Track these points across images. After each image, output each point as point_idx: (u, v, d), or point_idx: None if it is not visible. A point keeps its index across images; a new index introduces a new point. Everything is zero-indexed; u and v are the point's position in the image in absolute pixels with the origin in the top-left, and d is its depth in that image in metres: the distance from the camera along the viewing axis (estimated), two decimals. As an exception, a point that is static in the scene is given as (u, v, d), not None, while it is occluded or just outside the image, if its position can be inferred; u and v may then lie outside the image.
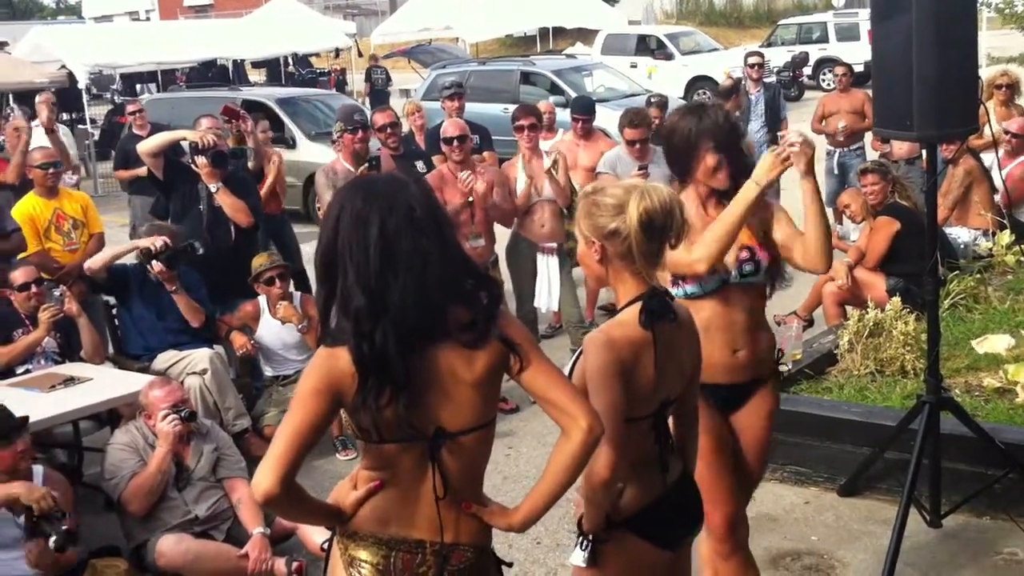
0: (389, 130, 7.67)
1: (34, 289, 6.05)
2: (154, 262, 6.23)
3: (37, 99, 11.28)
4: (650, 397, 2.83)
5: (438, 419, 2.49)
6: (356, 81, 26.67)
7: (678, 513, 2.97)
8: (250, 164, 8.10)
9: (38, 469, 4.72)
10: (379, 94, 23.11)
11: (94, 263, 6.50)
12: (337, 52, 25.94)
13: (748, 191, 3.47)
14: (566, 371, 2.85)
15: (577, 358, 2.87)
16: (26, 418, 4.72)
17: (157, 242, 6.37)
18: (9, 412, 4.61)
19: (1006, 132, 7.28)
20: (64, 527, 4.36)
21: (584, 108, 8.58)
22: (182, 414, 4.95)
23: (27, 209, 7.17)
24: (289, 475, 2.42)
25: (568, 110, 9.18)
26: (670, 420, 2.98)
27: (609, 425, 2.63)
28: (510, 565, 2.77)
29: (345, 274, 2.46)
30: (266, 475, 2.41)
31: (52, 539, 4.32)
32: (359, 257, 2.45)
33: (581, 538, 2.91)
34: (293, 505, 2.55)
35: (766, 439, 3.75)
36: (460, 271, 2.52)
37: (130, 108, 11.26)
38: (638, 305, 2.80)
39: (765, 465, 3.88)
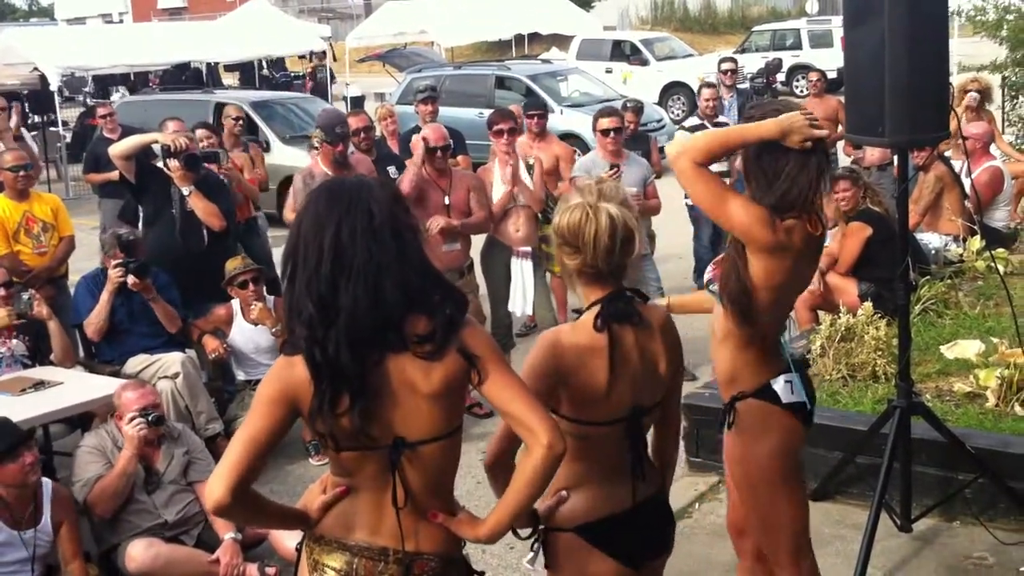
0: (363, 134, 7.70)
1: (2, 292, 5.99)
2: (129, 276, 6.18)
3: None
4: (606, 402, 2.79)
5: (397, 428, 2.48)
6: (333, 85, 26.59)
7: (645, 531, 2.92)
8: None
9: (47, 484, 4.69)
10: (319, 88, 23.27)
11: (117, 148, 6.68)
12: (311, 56, 25.84)
13: (764, 130, 3.22)
14: None
15: None
16: (33, 431, 4.69)
17: (181, 140, 6.50)
18: (12, 425, 4.57)
19: (965, 137, 7.35)
20: None
21: (536, 104, 8.64)
22: (149, 418, 4.92)
23: (-3, 212, 7.10)
24: (241, 484, 2.40)
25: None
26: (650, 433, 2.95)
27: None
28: (482, 574, 2.75)
29: (300, 277, 2.45)
30: (217, 485, 2.40)
31: None
32: (313, 261, 2.44)
33: (534, 538, 2.90)
34: (248, 513, 2.56)
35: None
36: (422, 280, 2.48)
37: (100, 111, 11.19)
38: (596, 308, 2.80)
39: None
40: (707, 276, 3.48)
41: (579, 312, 2.87)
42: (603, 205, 2.77)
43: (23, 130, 10.15)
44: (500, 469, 2.78)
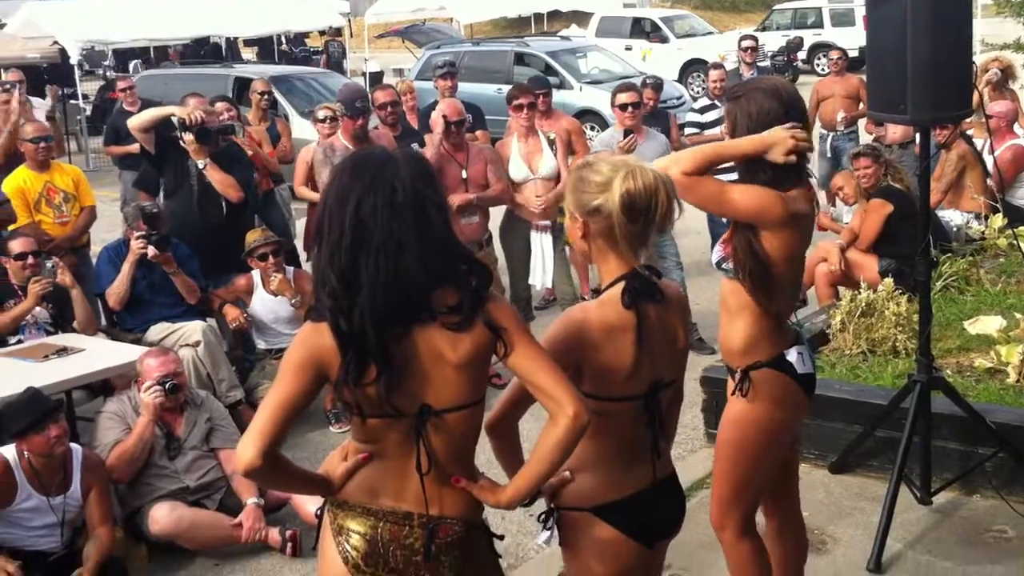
0: (389, 108, 7.67)
1: (30, 260, 6.04)
2: (150, 248, 6.22)
3: (5, 75, 11.26)
4: (631, 378, 2.77)
5: (423, 397, 2.49)
6: (351, 61, 26.58)
7: (658, 510, 2.90)
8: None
9: (77, 450, 4.74)
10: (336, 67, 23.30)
11: (135, 121, 6.73)
12: (337, 31, 25.80)
13: (747, 146, 3.28)
14: None
15: None
16: (61, 401, 4.74)
17: (196, 114, 6.52)
18: (42, 396, 4.62)
19: (988, 116, 7.32)
20: None
21: (541, 83, 8.59)
22: (166, 386, 4.96)
23: (17, 182, 7.16)
24: (271, 447, 2.43)
25: (560, 92, 9.13)
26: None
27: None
28: (501, 538, 2.77)
29: (324, 250, 2.47)
30: (248, 447, 2.42)
31: None
32: (336, 234, 2.45)
33: (547, 516, 2.87)
34: (276, 476, 2.58)
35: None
36: (445, 257, 2.48)
37: (120, 85, 11.22)
38: (621, 285, 2.75)
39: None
40: (717, 255, 3.47)
41: (598, 291, 2.84)
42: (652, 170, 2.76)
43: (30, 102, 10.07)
44: (503, 432, 2.79)
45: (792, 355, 3.43)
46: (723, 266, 3.43)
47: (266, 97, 9.45)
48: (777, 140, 3.22)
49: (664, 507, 2.92)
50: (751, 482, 3.47)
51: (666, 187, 2.72)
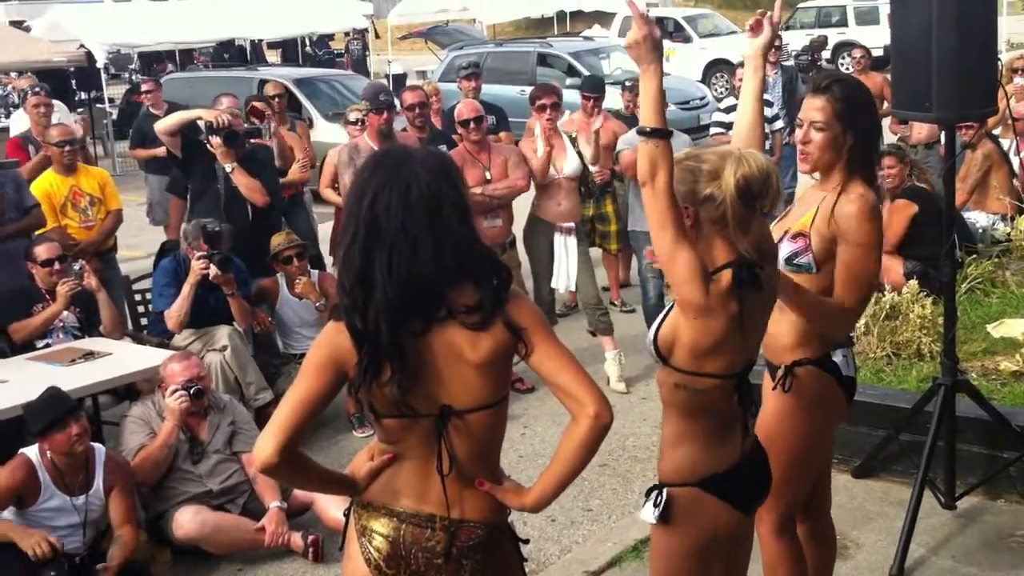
0: (417, 110, 7.66)
1: (57, 266, 6.08)
2: (211, 268, 6.08)
3: (19, 81, 11.36)
4: (730, 359, 2.84)
5: (443, 397, 2.50)
6: (375, 63, 26.66)
7: (756, 476, 3.01)
8: (276, 163, 7.96)
9: (100, 450, 4.79)
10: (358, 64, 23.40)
11: (162, 124, 6.71)
12: (354, 32, 25.90)
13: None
14: (652, 328, 2.89)
15: (667, 312, 2.88)
16: (81, 401, 4.78)
17: (223, 117, 6.48)
18: (62, 395, 4.67)
19: (1013, 119, 7.28)
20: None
21: (594, 87, 8.51)
22: (190, 391, 4.99)
23: (44, 186, 7.22)
24: (289, 444, 2.43)
25: (576, 91, 9.09)
26: None
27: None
28: (527, 542, 2.78)
29: (342, 247, 2.49)
30: (266, 444, 2.44)
31: None
32: (351, 231, 2.47)
33: (655, 493, 2.92)
34: (297, 474, 2.60)
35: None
36: (462, 256, 2.48)
37: (144, 87, 11.27)
38: (728, 272, 2.79)
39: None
40: (787, 250, 3.44)
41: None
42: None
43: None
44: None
45: (838, 356, 3.46)
46: (796, 261, 3.41)
47: (279, 100, 9.37)
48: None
49: (756, 474, 3.02)
50: (790, 478, 3.46)
51: (776, 171, 2.81)
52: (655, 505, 2.91)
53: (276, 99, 9.25)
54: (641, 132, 2.76)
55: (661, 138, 2.73)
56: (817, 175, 3.53)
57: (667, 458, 2.95)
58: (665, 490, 2.91)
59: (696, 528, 2.92)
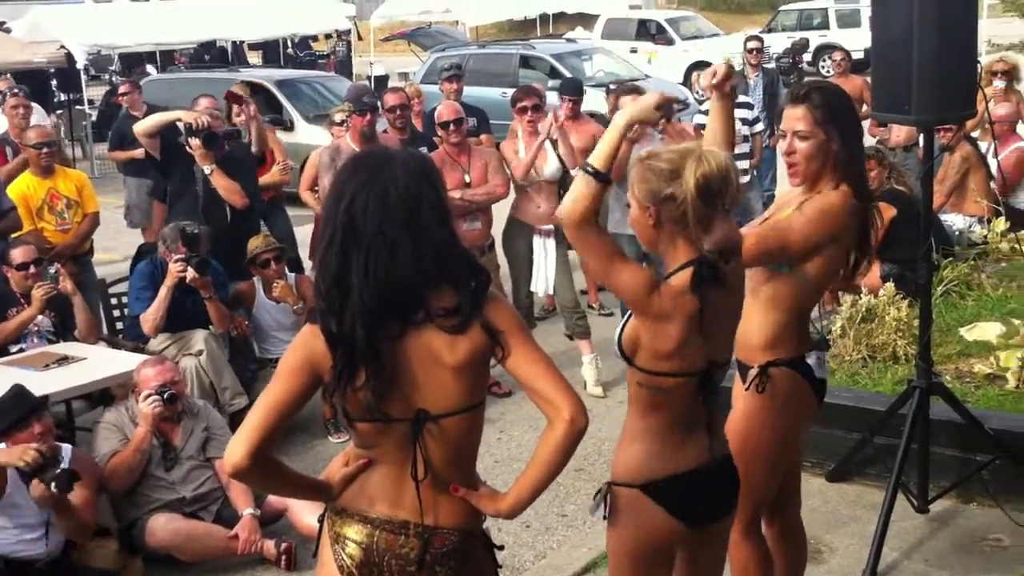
0: (398, 111, 7.62)
1: (32, 269, 6.05)
2: (189, 271, 6.03)
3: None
4: (688, 356, 2.83)
5: (419, 401, 2.49)
6: (356, 64, 26.59)
7: (710, 491, 2.95)
8: (252, 149, 7.95)
9: (66, 448, 4.75)
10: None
11: (141, 126, 6.67)
12: (336, 34, 25.83)
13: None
14: (617, 330, 2.89)
15: (627, 320, 2.88)
16: (46, 398, 4.75)
17: (202, 119, 6.44)
18: (26, 394, 4.64)
19: (991, 122, 7.32)
20: (59, 469, 4.40)
21: (573, 89, 8.52)
22: (163, 396, 4.96)
23: (21, 188, 7.17)
24: (261, 448, 2.42)
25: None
26: None
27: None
28: (501, 548, 2.77)
29: (320, 249, 2.48)
30: (236, 447, 2.42)
31: (52, 484, 4.36)
32: (329, 233, 2.46)
33: (603, 490, 2.93)
34: (268, 478, 2.57)
35: None
36: (440, 258, 2.47)
37: (121, 89, 11.20)
38: (689, 270, 2.80)
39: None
40: None
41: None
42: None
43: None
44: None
45: (812, 359, 3.48)
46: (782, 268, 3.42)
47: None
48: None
49: (717, 488, 2.97)
50: (757, 479, 3.47)
51: (735, 169, 2.81)
52: (601, 503, 2.92)
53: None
54: (585, 168, 2.80)
55: (601, 182, 2.78)
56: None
57: (620, 456, 2.95)
58: (609, 488, 2.92)
59: (634, 531, 2.91)
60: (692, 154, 2.78)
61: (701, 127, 9.22)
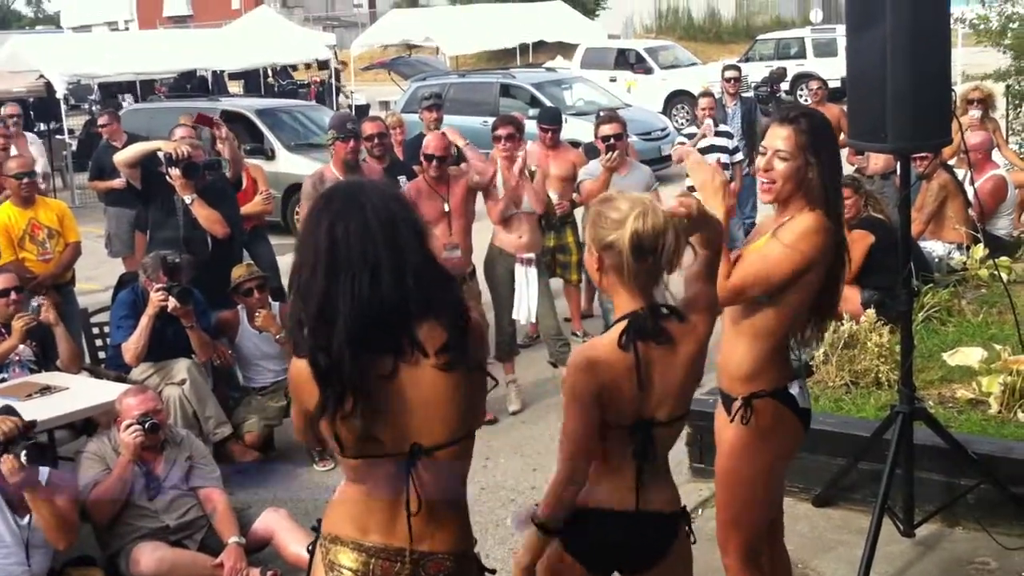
0: (376, 140, 7.66)
1: (13, 296, 6.02)
2: (170, 300, 6.02)
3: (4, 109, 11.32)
4: (627, 410, 2.83)
5: (413, 435, 2.50)
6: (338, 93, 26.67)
7: (627, 546, 2.93)
8: (227, 172, 7.96)
9: (44, 471, 4.69)
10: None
11: (121, 156, 6.68)
12: (317, 63, 25.90)
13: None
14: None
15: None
16: (34, 422, 4.69)
17: (182, 148, 6.42)
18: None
19: (966, 151, 7.42)
20: (30, 441, 4.40)
21: (551, 119, 8.60)
22: (145, 425, 4.93)
23: (2, 219, 7.15)
24: None
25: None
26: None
27: (572, 447, 2.77)
28: (493, 572, 2.77)
29: (300, 278, 2.48)
30: None
31: (23, 454, 4.35)
32: (310, 259, 2.47)
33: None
34: None
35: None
36: (422, 282, 2.48)
37: (100, 120, 11.18)
38: (624, 324, 2.80)
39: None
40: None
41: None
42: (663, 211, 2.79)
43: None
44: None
45: (795, 388, 3.50)
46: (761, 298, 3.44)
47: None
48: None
49: (640, 540, 2.93)
50: (751, 507, 3.51)
51: (675, 229, 2.77)
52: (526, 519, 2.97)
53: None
54: (533, 518, 2.88)
55: (546, 534, 2.87)
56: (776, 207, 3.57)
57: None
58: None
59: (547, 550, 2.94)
60: (638, 208, 2.78)
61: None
